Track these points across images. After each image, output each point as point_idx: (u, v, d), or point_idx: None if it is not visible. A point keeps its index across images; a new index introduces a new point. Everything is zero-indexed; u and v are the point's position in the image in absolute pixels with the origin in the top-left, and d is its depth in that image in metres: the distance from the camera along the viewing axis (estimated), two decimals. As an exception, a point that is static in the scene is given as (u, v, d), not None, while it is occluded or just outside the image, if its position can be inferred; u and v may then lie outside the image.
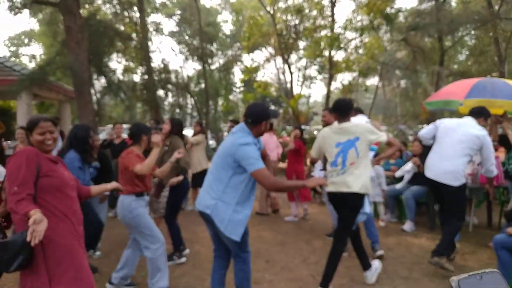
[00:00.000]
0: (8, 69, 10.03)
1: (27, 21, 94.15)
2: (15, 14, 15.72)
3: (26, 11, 15.38)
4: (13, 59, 29.64)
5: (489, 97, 6.23)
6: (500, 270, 3.80)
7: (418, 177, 6.25)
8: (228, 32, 30.24)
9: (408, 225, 6.28)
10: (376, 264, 4.21)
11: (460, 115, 6.27)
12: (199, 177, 7.03)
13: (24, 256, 2.44)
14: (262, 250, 5.36)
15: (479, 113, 4.62)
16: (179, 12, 26.29)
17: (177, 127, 5.03)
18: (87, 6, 15.32)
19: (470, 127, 4.49)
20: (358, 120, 4.65)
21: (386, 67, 16.87)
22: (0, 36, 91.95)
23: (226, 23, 32.55)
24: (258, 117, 3.22)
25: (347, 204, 3.84)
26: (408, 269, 4.63)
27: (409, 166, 6.58)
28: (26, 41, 38.94)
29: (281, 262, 4.91)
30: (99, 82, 15.99)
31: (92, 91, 11.94)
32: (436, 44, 15.42)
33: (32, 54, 33.17)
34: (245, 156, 3.06)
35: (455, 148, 4.45)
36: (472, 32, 16.53)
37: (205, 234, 6.06)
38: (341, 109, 3.93)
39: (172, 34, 27.27)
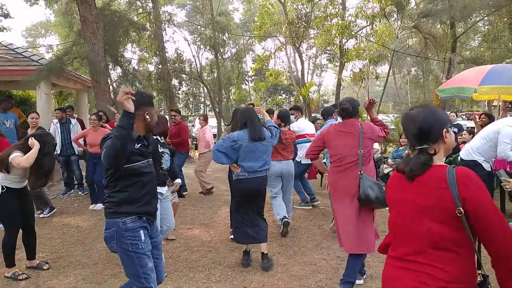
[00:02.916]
0: (27, 60, 10.24)
1: (43, 12, 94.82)
2: (31, 5, 15.91)
3: (42, 2, 15.57)
4: (30, 49, 30.09)
5: (504, 83, 6.23)
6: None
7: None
8: (238, 22, 30.33)
9: None
10: None
11: (473, 102, 6.34)
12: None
13: None
14: (275, 235, 5.57)
15: None
16: (190, 1, 26.43)
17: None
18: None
19: (500, 121, 5.01)
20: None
21: (397, 54, 16.76)
22: (17, 27, 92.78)
23: (237, 11, 32.58)
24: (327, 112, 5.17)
25: None
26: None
27: None
28: (42, 31, 39.47)
29: (294, 247, 5.09)
30: (115, 72, 16.26)
31: (109, 81, 12.20)
32: (448, 30, 15.29)
33: (49, 45, 33.71)
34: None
35: (479, 135, 5.15)
36: (486, 17, 16.32)
37: (220, 219, 6.34)
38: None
39: (184, 24, 27.45)
